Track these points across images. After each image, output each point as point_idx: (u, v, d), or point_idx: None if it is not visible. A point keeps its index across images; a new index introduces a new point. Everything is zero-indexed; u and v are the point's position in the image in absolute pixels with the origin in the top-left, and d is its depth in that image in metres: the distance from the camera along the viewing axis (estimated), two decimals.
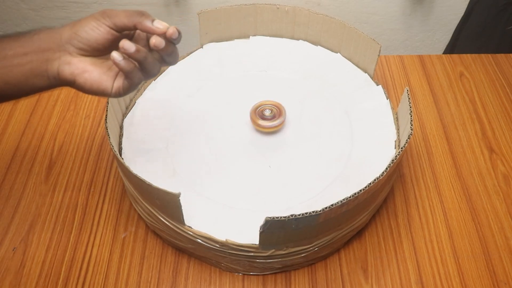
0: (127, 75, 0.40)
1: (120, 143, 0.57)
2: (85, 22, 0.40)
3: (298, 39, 0.70)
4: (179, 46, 0.42)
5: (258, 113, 0.59)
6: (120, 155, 0.55)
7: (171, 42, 0.40)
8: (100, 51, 0.41)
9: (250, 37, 0.70)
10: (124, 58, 0.39)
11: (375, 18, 1.04)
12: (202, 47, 0.69)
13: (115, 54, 0.39)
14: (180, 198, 0.43)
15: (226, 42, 0.70)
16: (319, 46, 0.69)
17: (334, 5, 1.00)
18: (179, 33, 0.40)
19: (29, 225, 0.56)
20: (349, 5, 1.01)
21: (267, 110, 0.59)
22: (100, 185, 0.60)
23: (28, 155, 0.64)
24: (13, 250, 0.54)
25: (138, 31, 0.43)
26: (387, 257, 0.54)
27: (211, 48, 0.69)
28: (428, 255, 0.54)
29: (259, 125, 0.58)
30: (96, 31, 0.40)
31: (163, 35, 0.40)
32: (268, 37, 0.70)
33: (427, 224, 0.57)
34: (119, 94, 0.42)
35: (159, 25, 0.39)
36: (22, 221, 0.56)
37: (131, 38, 0.43)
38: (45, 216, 0.57)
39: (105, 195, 0.59)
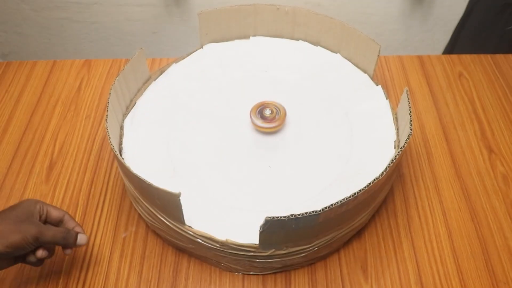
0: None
1: (120, 143, 0.57)
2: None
3: (298, 40, 0.70)
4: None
5: (258, 114, 0.59)
6: (121, 155, 0.55)
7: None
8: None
9: (250, 37, 0.70)
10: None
11: (375, 18, 1.04)
12: (202, 48, 0.69)
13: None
14: (180, 198, 0.43)
15: (226, 42, 0.70)
16: (319, 47, 0.69)
17: (334, 6, 1.01)
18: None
19: None
20: (349, 6, 1.01)
21: (267, 110, 0.59)
22: (101, 185, 0.61)
23: (29, 155, 0.64)
24: None
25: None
26: (387, 257, 0.54)
27: (211, 48, 0.69)
28: (428, 255, 0.54)
29: (259, 126, 0.58)
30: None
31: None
32: (268, 38, 0.71)
33: (427, 224, 0.57)
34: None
35: (82, 241, 0.46)
36: None
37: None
38: None
39: (105, 195, 0.60)
